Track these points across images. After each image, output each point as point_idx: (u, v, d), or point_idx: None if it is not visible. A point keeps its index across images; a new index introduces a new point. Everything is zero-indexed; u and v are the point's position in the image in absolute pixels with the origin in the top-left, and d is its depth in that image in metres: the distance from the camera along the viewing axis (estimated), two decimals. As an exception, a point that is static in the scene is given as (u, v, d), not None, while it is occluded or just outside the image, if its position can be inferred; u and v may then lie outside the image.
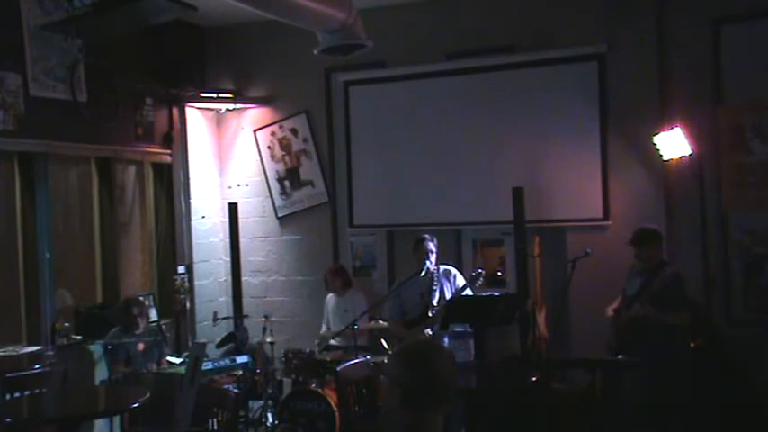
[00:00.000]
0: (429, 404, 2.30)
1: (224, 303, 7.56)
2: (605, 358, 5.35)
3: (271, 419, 6.07)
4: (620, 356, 5.27)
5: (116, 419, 5.24)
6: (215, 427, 4.29)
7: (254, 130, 7.57)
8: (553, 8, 6.42)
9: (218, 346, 6.67)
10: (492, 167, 6.56)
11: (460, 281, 6.00)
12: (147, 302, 6.32)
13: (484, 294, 5.81)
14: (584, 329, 6.14)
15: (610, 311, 5.42)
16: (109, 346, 5.67)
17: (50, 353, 5.75)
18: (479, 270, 5.87)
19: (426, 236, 5.99)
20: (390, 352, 5.82)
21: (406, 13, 6.88)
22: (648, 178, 6.15)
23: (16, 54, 5.63)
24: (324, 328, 6.74)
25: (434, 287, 5.84)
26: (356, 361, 5.15)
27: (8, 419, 4.17)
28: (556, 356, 5.98)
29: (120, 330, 5.76)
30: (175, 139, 7.23)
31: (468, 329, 5.72)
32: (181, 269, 7.13)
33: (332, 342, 6.44)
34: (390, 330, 6.08)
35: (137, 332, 5.74)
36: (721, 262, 6.00)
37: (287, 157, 7.48)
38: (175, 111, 7.27)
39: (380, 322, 6.17)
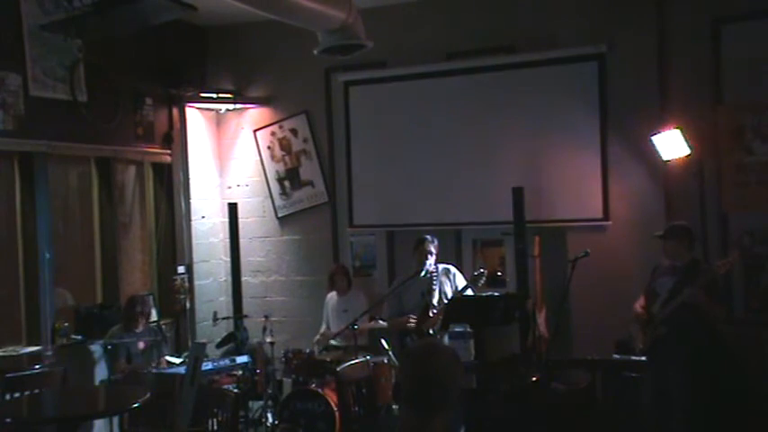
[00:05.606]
0: (429, 406, 2.30)
1: (224, 303, 7.56)
2: (605, 358, 5.35)
3: (271, 419, 6.08)
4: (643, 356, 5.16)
5: (116, 419, 5.24)
6: (215, 427, 4.29)
7: (254, 130, 7.57)
8: (553, 8, 6.42)
9: (218, 346, 6.67)
10: (492, 167, 6.56)
11: (461, 281, 6.01)
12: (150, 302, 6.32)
13: (484, 294, 5.81)
14: (584, 329, 6.14)
15: (638, 309, 5.30)
16: (109, 346, 5.67)
17: (50, 353, 5.75)
18: (481, 270, 5.88)
19: (427, 237, 6.00)
20: (390, 352, 5.83)
21: (406, 13, 6.88)
22: (648, 178, 6.14)
23: (16, 54, 5.62)
24: (323, 327, 6.73)
25: (434, 286, 5.85)
26: (356, 361, 5.16)
27: (8, 419, 4.17)
28: (556, 356, 5.97)
29: (121, 329, 5.77)
30: (175, 139, 7.23)
31: (468, 329, 5.72)
32: (181, 269, 7.12)
33: (332, 342, 6.44)
34: (389, 329, 6.08)
35: (137, 331, 5.74)
36: (721, 262, 6.00)
37: (287, 157, 7.48)
38: (175, 111, 7.27)
39: (380, 322, 6.17)
